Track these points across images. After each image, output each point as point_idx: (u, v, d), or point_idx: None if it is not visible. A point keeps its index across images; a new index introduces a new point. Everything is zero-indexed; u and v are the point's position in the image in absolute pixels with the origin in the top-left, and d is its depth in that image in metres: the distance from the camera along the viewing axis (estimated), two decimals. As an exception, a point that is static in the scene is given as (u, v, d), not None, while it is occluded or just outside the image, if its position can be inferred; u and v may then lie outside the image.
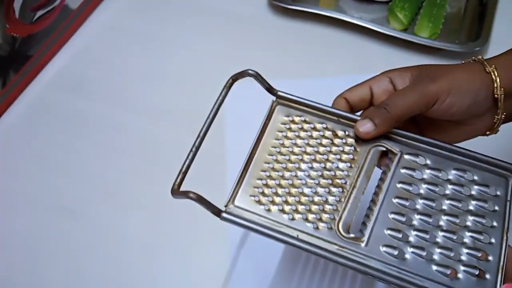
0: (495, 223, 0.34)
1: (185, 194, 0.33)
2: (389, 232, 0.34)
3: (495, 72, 0.36)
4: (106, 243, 0.52)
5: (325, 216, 0.35)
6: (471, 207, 0.35)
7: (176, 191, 0.34)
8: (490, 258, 0.33)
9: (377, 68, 0.65)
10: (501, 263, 0.33)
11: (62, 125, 0.62)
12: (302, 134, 0.38)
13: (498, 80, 0.36)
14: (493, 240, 0.34)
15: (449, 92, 0.36)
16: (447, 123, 0.39)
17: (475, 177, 0.36)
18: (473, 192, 0.36)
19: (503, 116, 0.38)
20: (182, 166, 0.35)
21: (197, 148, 0.36)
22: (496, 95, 0.36)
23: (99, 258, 0.52)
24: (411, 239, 0.34)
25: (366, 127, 0.36)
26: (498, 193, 0.36)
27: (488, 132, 0.39)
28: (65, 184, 0.57)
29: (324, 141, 0.38)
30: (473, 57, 0.39)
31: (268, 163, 0.37)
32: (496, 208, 0.35)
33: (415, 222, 0.35)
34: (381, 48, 0.66)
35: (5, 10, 0.58)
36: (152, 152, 0.58)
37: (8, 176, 0.58)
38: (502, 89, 0.36)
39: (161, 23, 0.71)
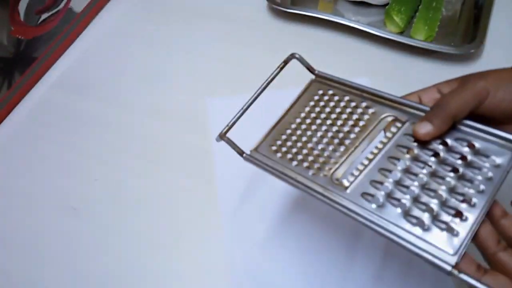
0: (482, 187, 0.34)
1: (222, 138, 0.43)
2: (372, 183, 0.37)
3: None
4: (108, 242, 0.53)
5: (325, 167, 0.40)
6: (463, 172, 0.36)
7: (222, 136, 0.43)
8: (468, 217, 0.34)
9: (374, 70, 0.66)
10: (475, 225, 0.33)
11: (66, 126, 0.63)
12: (328, 105, 0.44)
13: None
14: (475, 201, 0.34)
15: (498, 87, 0.37)
16: (500, 122, 0.39)
17: (477, 145, 0.36)
18: (469, 159, 0.36)
19: None
20: (230, 121, 0.44)
21: (244, 110, 0.44)
22: None
23: (101, 256, 0.52)
24: (392, 191, 0.36)
25: (426, 128, 0.37)
26: (498, 162, 0.35)
27: None
28: (69, 183, 0.57)
29: (346, 112, 0.42)
30: None
31: (292, 124, 0.43)
32: (490, 174, 0.35)
33: (400, 177, 0.37)
34: (378, 50, 0.67)
35: (10, 12, 0.59)
36: (155, 152, 0.59)
37: (13, 176, 0.59)
38: None
39: (163, 26, 0.72)
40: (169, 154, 0.59)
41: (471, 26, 0.67)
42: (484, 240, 0.34)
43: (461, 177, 0.35)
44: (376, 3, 0.71)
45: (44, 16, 0.65)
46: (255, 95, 0.45)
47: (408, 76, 0.64)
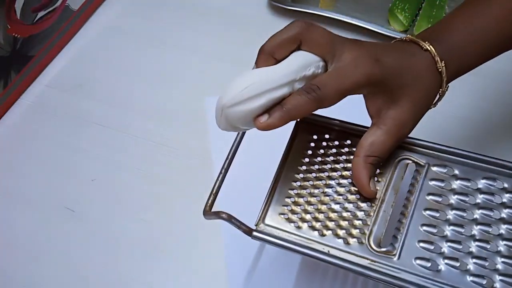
0: None
1: (217, 215, 0.34)
2: (421, 244, 0.34)
3: (432, 48, 0.36)
4: (105, 244, 0.53)
5: (355, 231, 0.34)
6: (503, 215, 0.34)
7: (208, 212, 0.35)
8: None
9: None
10: None
11: (63, 125, 0.62)
12: (328, 151, 0.38)
13: (436, 52, 0.36)
14: None
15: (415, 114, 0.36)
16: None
17: (505, 185, 0.35)
18: (504, 200, 0.34)
19: (446, 88, 0.38)
20: (213, 188, 0.36)
21: (226, 170, 0.37)
22: (439, 69, 0.36)
23: (98, 258, 0.52)
24: (444, 250, 0.33)
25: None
26: None
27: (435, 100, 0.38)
28: (66, 185, 0.57)
29: (350, 157, 0.37)
30: (399, 38, 0.39)
31: (296, 181, 0.37)
32: None
33: (447, 233, 0.34)
34: (381, 48, 0.66)
35: (6, 10, 0.59)
36: (153, 152, 0.59)
37: (9, 176, 0.58)
38: (443, 61, 0.36)
39: (162, 24, 0.72)
40: (167, 154, 0.58)
41: (475, 24, 0.67)
42: None
43: (504, 221, 0.34)
44: None
45: (40, 14, 0.64)
46: (230, 155, 0.38)
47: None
